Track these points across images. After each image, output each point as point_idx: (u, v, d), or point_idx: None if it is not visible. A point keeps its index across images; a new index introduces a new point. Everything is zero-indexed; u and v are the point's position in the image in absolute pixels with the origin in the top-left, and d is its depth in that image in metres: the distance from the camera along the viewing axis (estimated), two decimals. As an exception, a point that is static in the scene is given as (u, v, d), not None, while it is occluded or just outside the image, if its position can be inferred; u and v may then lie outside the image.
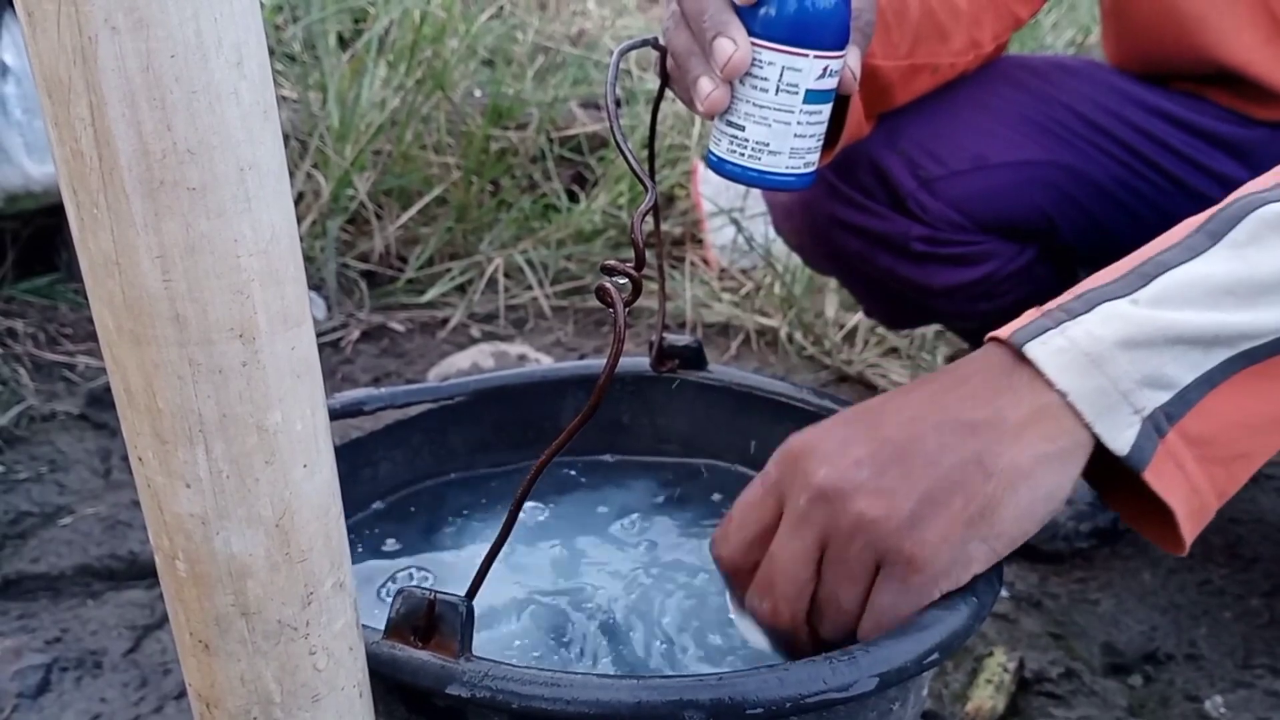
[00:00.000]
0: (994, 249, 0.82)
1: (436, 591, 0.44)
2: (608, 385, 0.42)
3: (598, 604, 0.60)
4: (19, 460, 1.22)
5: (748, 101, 0.55)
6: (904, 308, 0.91)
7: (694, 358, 0.70)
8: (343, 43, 1.82)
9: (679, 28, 0.56)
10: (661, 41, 0.58)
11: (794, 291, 1.50)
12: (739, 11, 0.54)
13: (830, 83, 0.55)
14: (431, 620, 0.44)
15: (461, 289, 1.63)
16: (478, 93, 1.79)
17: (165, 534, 0.34)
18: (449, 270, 1.64)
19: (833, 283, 1.53)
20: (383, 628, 0.45)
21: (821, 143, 0.57)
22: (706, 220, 1.66)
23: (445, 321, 1.58)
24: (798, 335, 1.48)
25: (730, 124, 0.56)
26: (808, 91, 0.54)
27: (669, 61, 0.58)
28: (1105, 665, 0.92)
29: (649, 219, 0.47)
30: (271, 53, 1.73)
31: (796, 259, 1.52)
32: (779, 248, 1.56)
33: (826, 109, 0.56)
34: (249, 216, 0.31)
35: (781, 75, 0.53)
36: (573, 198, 1.78)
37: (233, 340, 0.32)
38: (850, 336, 1.46)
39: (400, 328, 1.56)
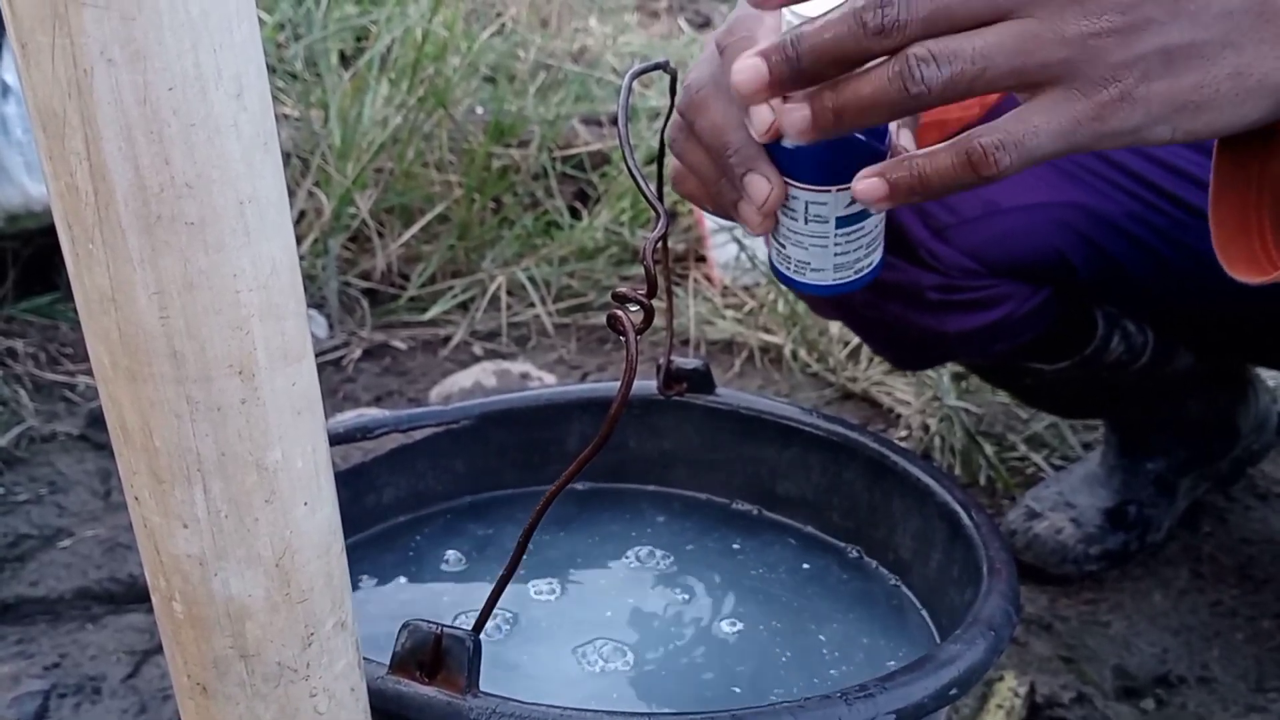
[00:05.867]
0: (1009, 291, 0.81)
1: (443, 626, 0.43)
2: (620, 414, 0.41)
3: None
4: (18, 482, 1.21)
5: (782, 226, 0.53)
6: (914, 350, 0.89)
7: (702, 381, 0.69)
8: (344, 60, 1.82)
9: (690, 142, 0.54)
10: (670, 151, 0.56)
11: (797, 309, 1.49)
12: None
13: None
14: (438, 655, 0.43)
15: (464, 307, 1.62)
16: (479, 110, 1.79)
17: (162, 574, 0.34)
18: (451, 288, 1.63)
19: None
20: (388, 662, 0.44)
21: (876, 244, 0.54)
22: (709, 237, 1.65)
23: (447, 339, 1.57)
24: (802, 352, 1.48)
25: (774, 238, 0.54)
26: (838, 219, 0.51)
27: (676, 161, 0.56)
28: (1117, 689, 0.91)
29: (660, 245, 0.46)
30: (273, 71, 1.73)
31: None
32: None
33: (869, 221, 0.53)
34: (249, 251, 0.30)
35: (807, 209, 0.51)
36: (575, 215, 1.78)
37: (232, 377, 0.31)
38: (854, 354, 1.45)
39: (402, 346, 1.56)
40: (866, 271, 0.54)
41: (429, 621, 0.44)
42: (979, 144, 0.43)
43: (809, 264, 0.53)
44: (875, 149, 0.50)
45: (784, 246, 0.53)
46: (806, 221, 0.52)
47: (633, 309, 0.42)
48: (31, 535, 1.12)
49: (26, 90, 0.28)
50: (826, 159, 0.49)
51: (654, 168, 0.63)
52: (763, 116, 0.48)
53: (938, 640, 0.58)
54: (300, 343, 0.33)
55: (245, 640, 0.34)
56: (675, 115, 0.54)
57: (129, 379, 0.31)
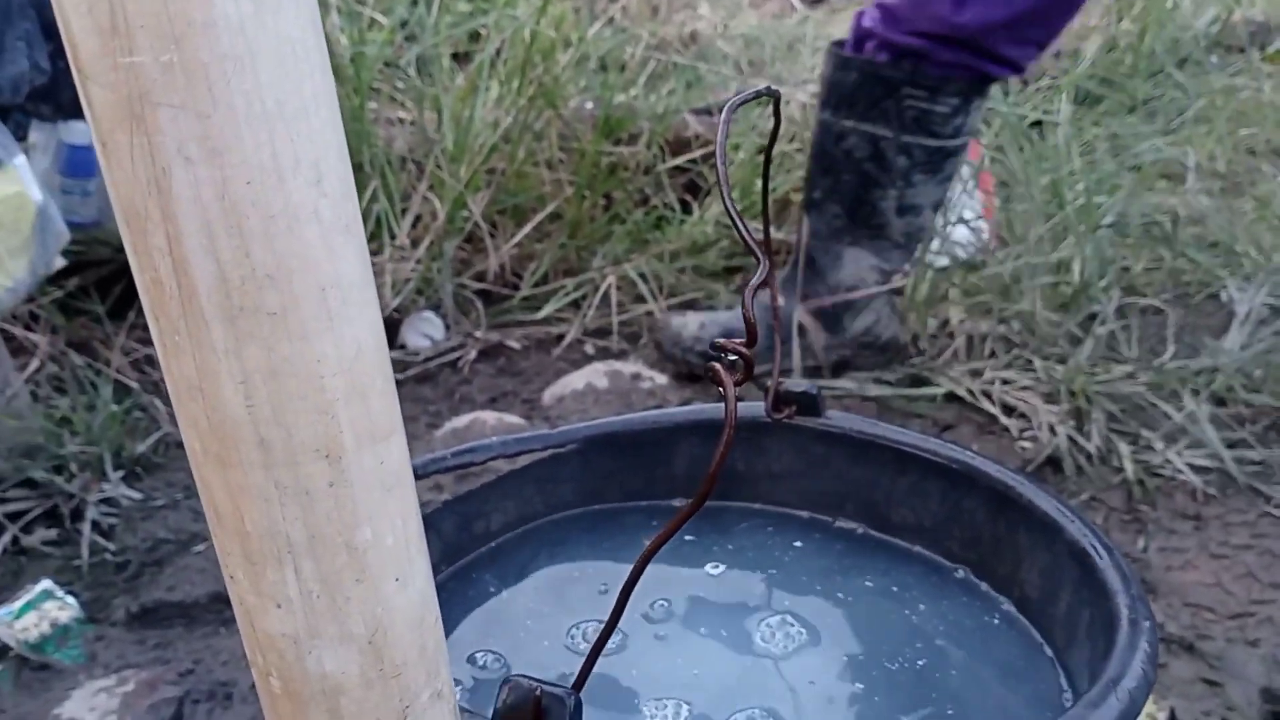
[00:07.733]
0: None
1: (542, 684, 0.43)
2: (718, 473, 0.39)
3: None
4: (156, 487, 1.26)
5: None
6: None
7: (810, 404, 0.67)
8: (456, 59, 1.84)
9: None
10: None
11: (915, 298, 1.44)
12: None
13: None
14: (538, 714, 0.43)
15: (576, 305, 1.63)
16: (590, 105, 1.78)
17: (259, 651, 0.34)
18: (563, 287, 1.63)
19: (955, 293, 1.47)
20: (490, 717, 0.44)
21: None
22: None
23: (560, 338, 1.58)
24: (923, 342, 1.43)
25: None
26: None
27: None
28: (1266, 714, 0.85)
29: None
30: (394, 66, 1.75)
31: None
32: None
33: None
34: (331, 335, 0.30)
35: None
36: (685, 208, 1.76)
37: (318, 461, 0.31)
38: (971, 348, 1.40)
39: (516, 345, 1.57)
40: None
41: (529, 678, 0.43)
42: None
43: None
44: None
45: None
46: None
47: (731, 358, 0.41)
48: (169, 540, 1.17)
49: (109, 186, 0.28)
50: None
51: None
52: None
53: (1064, 686, 0.54)
54: (388, 420, 0.32)
55: (340, 715, 0.34)
56: None
57: (218, 464, 0.31)
